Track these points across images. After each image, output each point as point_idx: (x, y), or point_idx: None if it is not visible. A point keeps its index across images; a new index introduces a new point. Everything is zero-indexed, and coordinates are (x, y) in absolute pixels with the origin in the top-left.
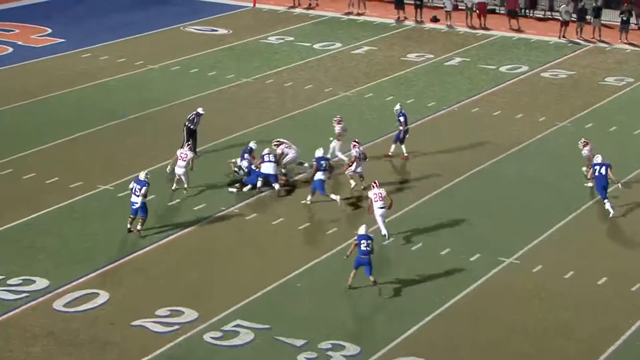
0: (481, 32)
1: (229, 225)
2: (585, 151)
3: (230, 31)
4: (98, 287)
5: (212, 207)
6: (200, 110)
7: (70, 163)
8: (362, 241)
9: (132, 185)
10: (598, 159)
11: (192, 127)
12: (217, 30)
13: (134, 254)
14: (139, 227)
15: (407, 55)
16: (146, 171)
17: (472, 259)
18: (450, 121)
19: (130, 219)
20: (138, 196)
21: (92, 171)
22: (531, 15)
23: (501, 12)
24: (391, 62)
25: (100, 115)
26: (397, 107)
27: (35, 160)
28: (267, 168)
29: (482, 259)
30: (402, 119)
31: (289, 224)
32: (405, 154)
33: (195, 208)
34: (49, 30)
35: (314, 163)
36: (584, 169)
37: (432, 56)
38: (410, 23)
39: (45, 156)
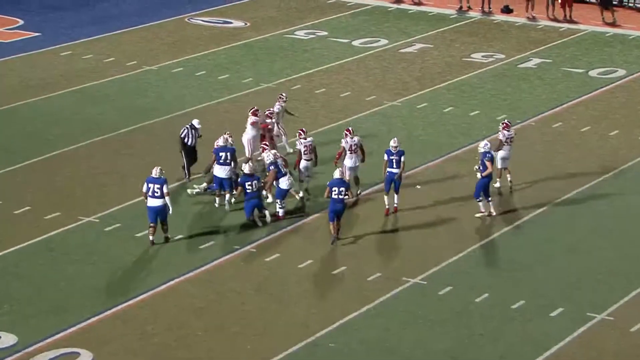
0: (566, 26)
1: (243, 269)
2: (503, 133)
3: (248, 24)
4: (79, 345)
5: (222, 246)
6: (195, 122)
7: (45, 188)
8: (334, 188)
9: (145, 187)
10: (487, 146)
11: (188, 142)
12: (230, 23)
13: (124, 304)
14: (168, 235)
15: (472, 55)
16: (158, 167)
17: (552, 314)
18: (526, 139)
19: (151, 229)
20: (159, 197)
21: (72, 199)
22: (631, 4)
23: (592, 0)
24: (451, 64)
25: (83, 128)
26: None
27: (2, 185)
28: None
29: (566, 314)
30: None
31: (321, 268)
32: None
33: (202, 246)
34: (20, 22)
35: (213, 155)
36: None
37: (503, 56)
38: (475, 14)
39: (14, 179)
